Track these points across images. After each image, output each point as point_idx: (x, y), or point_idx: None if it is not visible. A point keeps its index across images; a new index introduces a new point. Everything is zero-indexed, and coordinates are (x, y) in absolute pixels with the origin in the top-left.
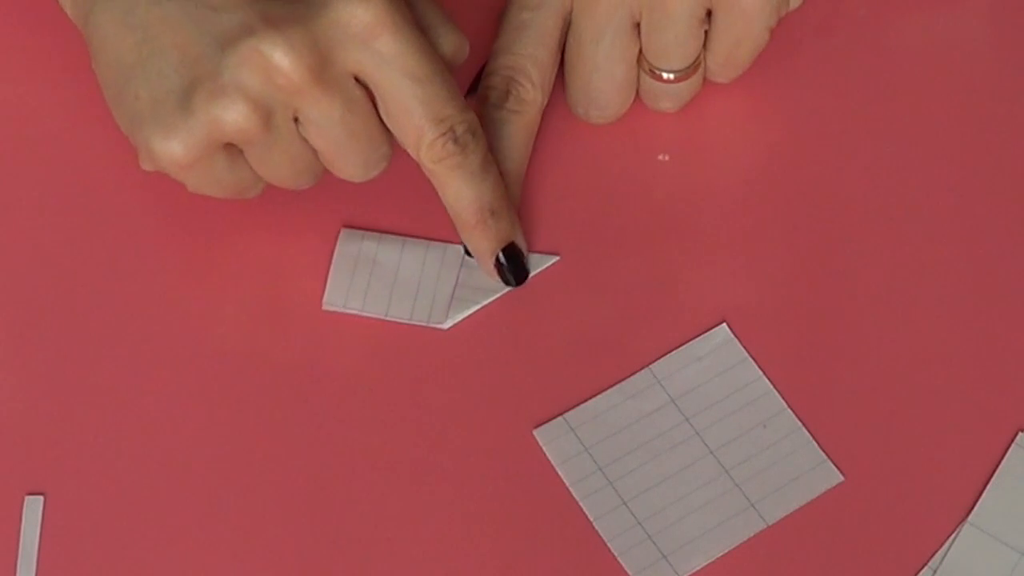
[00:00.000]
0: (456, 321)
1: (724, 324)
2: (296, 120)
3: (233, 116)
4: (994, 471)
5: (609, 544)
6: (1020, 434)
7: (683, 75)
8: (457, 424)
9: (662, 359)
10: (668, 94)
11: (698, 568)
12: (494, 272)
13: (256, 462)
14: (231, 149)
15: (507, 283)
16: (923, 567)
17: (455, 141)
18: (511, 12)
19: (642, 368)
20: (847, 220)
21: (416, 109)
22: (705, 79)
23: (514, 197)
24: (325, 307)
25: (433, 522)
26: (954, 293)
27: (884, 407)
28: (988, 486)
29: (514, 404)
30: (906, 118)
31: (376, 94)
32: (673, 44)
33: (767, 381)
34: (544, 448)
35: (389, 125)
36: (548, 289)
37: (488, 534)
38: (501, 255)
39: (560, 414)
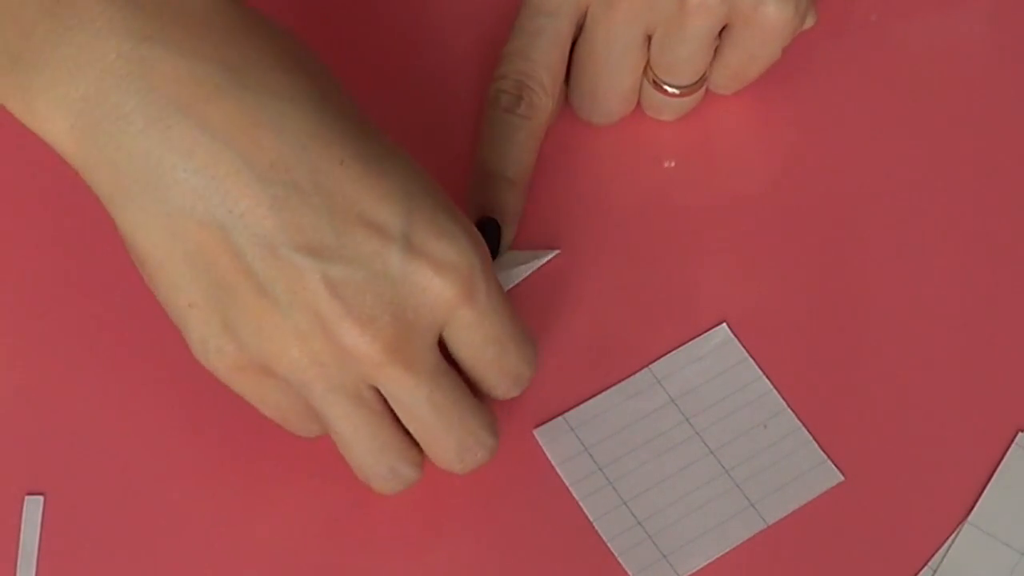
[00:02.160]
0: None
1: (724, 324)
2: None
3: (287, 362)
4: (994, 471)
5: (609, 544)
6: (1020, 434)
7: (688, 90)
8: None
9: (662, 359)
10: (670, 107)
11: (698, 568)
12: None
13: (258, 464)
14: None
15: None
16: (923, 567)
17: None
18: (525, 16)
19: (642, 368)
20: (848, 222)
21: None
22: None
23: (519, 201)
24: None
25: (433, 522)
26: (954, 293)
27: (884, 407)
28: (988, 486)
29: (514, 404)
30: (910, 123)
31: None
32: (684, 61)
33: (767, 381)
34: (544, 448)
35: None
36: (548, 289)
37: (488, 534)
38: None
39: (560, 414)
